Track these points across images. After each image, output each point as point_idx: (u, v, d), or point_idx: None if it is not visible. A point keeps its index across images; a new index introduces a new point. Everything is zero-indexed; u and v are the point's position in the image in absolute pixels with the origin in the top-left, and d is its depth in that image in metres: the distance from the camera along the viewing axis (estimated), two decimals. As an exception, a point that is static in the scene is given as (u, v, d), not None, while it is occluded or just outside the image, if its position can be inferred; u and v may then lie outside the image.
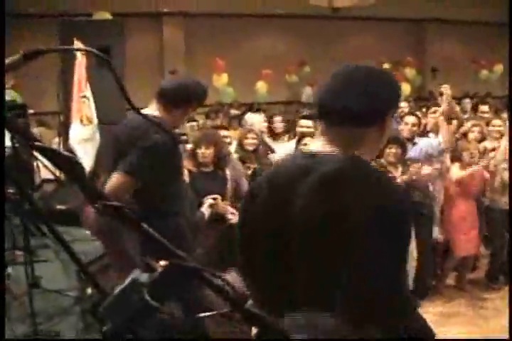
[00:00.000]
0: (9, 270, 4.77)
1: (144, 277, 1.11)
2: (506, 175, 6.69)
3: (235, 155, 6.36)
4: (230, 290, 1.11)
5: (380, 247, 1.81)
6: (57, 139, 8.68)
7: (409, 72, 17.28)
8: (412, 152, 6.56)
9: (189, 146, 5.76)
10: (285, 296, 2.00)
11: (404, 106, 9.37)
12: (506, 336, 5.17)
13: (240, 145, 6.60)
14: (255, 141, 6.57)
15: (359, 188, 1.90)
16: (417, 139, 6.90)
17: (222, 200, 5.25)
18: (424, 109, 10.53)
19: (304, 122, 6.99)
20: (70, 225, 5.67)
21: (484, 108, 9.48)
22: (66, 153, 1.03)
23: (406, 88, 15.46)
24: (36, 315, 4.09)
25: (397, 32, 21.32)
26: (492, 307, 6.42)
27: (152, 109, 3.92)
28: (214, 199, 5.13)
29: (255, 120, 7.21)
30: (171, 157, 3.80)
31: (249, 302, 1.14)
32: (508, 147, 6.75)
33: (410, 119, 6.95)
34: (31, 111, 9.59)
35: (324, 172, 1.95)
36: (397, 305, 1.87)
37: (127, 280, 1.13)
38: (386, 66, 17.94)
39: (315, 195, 1.93)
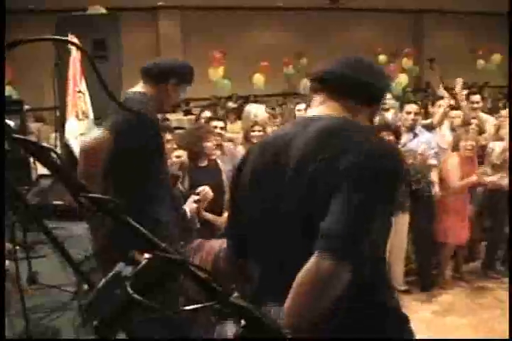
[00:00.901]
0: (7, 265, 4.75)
1: (128, 270, 1.10)
2: (498, 154, 6.71)
3: (241, 147, 6.32)
4: (215, 283, 1.09)
5: (362, 194, 1.90)
6: (54, 134, 8.65)
7: (407, 62, 17.23)
8: (413, 144, 6.52)
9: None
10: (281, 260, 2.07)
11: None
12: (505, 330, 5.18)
13: (246, 138, 6.54)
14: (261, 133, 6.52)
15: (352, 138, 2.02)
16: (417, 129, 6.85)
17: (218, 191, 5.18)
18: (427, 102, 10.44)
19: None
20: (67, 220, 5.65)
21: (476, 97, 9.45)
22: (45, 144, 1.02)
23: (403, 78, 15.42)
24: (34, 311, 4.09)
25: (395, 23, 21.29)
26: (492, 297, 6.42)
27: (139, 87, 3.89)
28: (198, 194, 4.98)
29: (259, 112, 7.13)
30: (138, 137, 3.66)
31: (235, 294, 1.12)
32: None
33: (412, 107, 6.90)
34: (27, 106, 9.57)
35: (320, 126, 2.09)
36: (369, 251, 1.91)
37: (110, 274, 1.12)
38: (383, 57, 17.95)
39: (310, 145, 2.03)
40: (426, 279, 6.68)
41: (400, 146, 6.22)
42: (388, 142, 5.94)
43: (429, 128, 7.30)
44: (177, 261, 1.07)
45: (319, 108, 2.25)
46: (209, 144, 5.36)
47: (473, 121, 7.64)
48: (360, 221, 1.88)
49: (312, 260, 1.83)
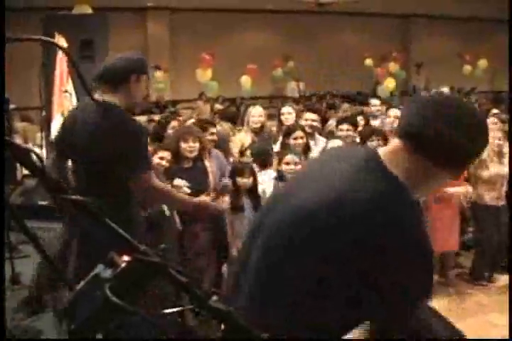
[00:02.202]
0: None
1: (107, 272, 1.09)
2: (488, 171, 6.67)
3: (248, 153, 6.26)
4: (194, 286, 1.09)
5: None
6: (40, 134, 8.62)
7: (394, 66, 17.30)
8: None
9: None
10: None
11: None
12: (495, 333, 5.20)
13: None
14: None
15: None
16: None
17: (205, 193, 5.18)
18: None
19: (309, 115, 6.84)
20: (52, 221, 5.63)
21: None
22: (24, 145, 1.01)
23: (391, 83, 15.48)
24: (16, 312, 4.07)
25: (382, 27, 21.37)
26: (474, 302, 6.44)
27: (98, 96, 3.79)
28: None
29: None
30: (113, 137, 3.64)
31: (214, 298, 1.11)
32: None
33: (394, 112, 6.93)
34: (13, 106, 9.52)
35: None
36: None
37: (89, 276, 1.11)
38: (369, 61, 18.02)
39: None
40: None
41: None
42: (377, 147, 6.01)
43: None
44: (157, 264, 1.07)
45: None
46: (184, 145, 5.31)
47: None
48: None
49: None
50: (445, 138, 1.81)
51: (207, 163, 5.49)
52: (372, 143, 6.11)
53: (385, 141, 6.18)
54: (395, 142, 1.93)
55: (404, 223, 1.78)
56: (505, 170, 6.65)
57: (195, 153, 5.33)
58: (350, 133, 6.50)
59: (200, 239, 5.24)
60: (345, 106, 9.36)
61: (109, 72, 3.77)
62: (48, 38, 1.32)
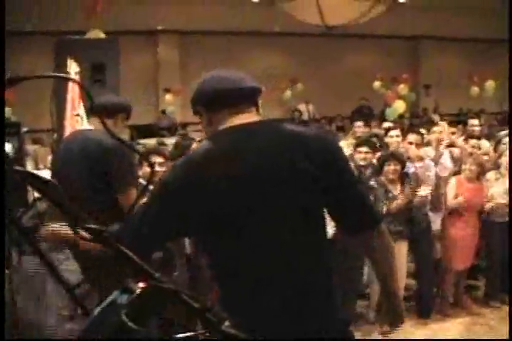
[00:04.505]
0: None
1: (123, 298, 1.13)
2: (498, 188, 6.68)
3: None
4: (207, 311, 1.12)
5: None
6: (51, 157, 8.67)
7: (404, 88, 17.32)
8: (414, 174, 6.49)
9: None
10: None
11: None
12: None
13: None
14: None
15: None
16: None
17: None
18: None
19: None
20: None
21: (474, 122, 9.49)
22: (44, 177, 1.05)
23: (400, 105, 15.48)
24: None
25: (391, 49, 21.43)
26: (486, 325, 6.42)
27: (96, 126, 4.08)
28: None
29: None
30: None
31: (226, 323, 1.15)
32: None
33: (414, 138, 6.91)
34: (25, 129, 9.59)
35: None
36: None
37: (106, 302, 1.14)
38: (378, 83, 18.04)
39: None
40: (425, 305, 6.65)
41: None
42: (394, 171, 6.05)
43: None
44: (171, 290, 1.10)
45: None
46: None
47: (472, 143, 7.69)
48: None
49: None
50: None
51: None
52: (390, 167, 6.11)
53: (402, 164, 6.18)
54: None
55: None
56: None
57: None
58: (369, 155, 6.51)
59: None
60: (358, 123, 9.32)
61: (102, 104, 4.10)
62: (60, 74, 1.38)
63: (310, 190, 2.28)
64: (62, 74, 1.50)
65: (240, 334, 1.13)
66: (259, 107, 2.50)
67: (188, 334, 1.14)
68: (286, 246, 2.25)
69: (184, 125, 17.97)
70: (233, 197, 2.23)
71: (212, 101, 2.43)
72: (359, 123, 9.37)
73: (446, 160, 7.40)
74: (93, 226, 1.09)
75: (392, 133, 7.30)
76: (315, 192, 2.29)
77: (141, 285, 1.13)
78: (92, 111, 4.01)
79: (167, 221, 2.26)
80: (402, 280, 6.51)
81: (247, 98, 2.45)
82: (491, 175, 6.79)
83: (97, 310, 1.15)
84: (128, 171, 3.96)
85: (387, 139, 7.55)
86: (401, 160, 6.23)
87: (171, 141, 12.51)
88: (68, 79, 1.50)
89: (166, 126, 17.20)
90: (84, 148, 3.87)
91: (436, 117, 17.67)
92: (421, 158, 6.76)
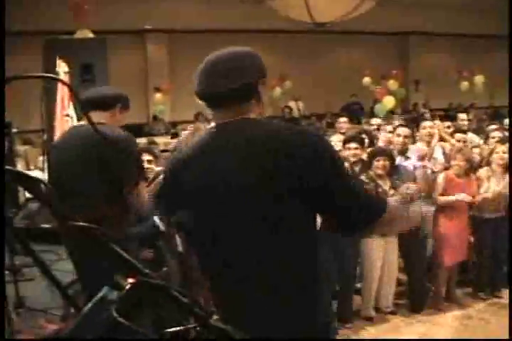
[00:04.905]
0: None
1: (113, 294, 1.14)
2: (490, 185, 6.69)
3: None
4: (196, 306, 1.14)
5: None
6: (41, 157, 8.68)
7: (393, 84, 17.36)
8: (404, 169, 6.48)
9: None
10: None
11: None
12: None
13: None
14: None
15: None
16: (410, 153, 6.89)
17: None
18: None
19: None
20: (55, 244, 5.66)
21: (463, 116, 9.52)
22: (33, 175, 1.06)
23: (390, 101, 15.50)
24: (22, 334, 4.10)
25: (380, 45, 21.46)
26: (478, 318, 6.45)
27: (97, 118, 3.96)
28: None
29: None
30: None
31: (215, 317, 1.17)
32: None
33: (402, 131, 6.94)
34: (15, 129, 9.58)
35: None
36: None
37: (96, 298, 1.16)
38: (367, 79, 18.07)
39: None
40: (417, 301, 6.67)
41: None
42: (383, 167, 6.07)
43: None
44: (160, 286, 1.12)
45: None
46: None
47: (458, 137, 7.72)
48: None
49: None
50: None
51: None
52: (379, 163, 6.13)
53: (391, 159, 6.20)
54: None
55: None
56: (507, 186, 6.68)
57: None
58: (358, 151, 6.51)
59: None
60: (342, 119, 9.35)
61: (98, 96, 4.04)
62: (49, 75, 1.38)
63: (284, 194, 2.18)
64: (49, 75, 1.50)
65: (228, 328, 1.14)
66: (249, 103, 2.36)
67: (178, 328, 1.16)
68: (252, 251, 2.23)
69: (174, 124, 17.98)
70: (201, 201, 2.27)
71: (201, 100, 2.43)
72: (343, 119, 9.41)
73: (438, 156, 7.43)
74: (83, 223, 1.10)
75: (399, 130, 7.21)
76: (292, 194, 2.19)
77: (130, 281, 1.14)
78: (84, 107, 3.98)
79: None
80: (394, 275, 6.55)
81: (214, 99, 2.38)
82: (483, 172, 6.80)
83: (87, 307, 1.16)
84: (136, 163, 3.95)
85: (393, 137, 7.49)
86: (390, 155, 6.25)
87: (161, 140, 12.56)
88: (56, 80, 1.47)
89: (160, 132, 17.18)
90: (90, 142, 3.76)
91: (427, 114, 17.71)
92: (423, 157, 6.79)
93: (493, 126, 9.02)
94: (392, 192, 6.09)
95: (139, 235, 4.26)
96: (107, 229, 1.16)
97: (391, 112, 16.05)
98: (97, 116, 3.81)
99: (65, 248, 4.23)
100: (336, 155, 2.38)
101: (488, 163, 6.83)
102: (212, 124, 2.45)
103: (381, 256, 6.29)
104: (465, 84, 19.61)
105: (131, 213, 3.93)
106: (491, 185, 6.68)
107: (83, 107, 3.94)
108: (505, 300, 6.70)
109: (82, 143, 3.80)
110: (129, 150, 3.84)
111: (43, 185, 1.07)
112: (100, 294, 1.16)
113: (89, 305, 1.16)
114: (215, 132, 2.35)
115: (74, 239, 3.49)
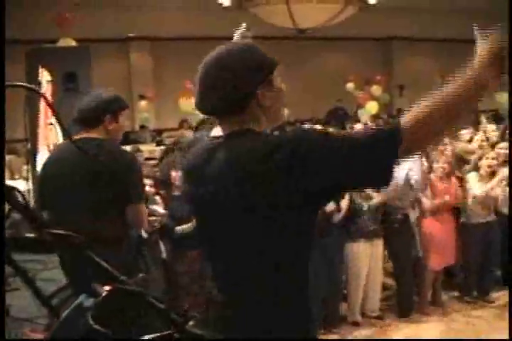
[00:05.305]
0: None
1: (89, 301, 1.14)
2: (477, 191, 6.71)
3: None
4: (172, 312, 1.14)
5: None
6: (25, 166, 8.63)
7: (377, 90, 17.41)
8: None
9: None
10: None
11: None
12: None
13: None
14: None
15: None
16: None
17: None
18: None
19: None
20: (40, 253, 5.62)
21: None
22: (8, 184, 1.06)
23: (373, 106, 15.57)
24: (6, 344, 4.07)
25: (364, 50, 21.53)
26: (464, 322, 6.47)
27: (90, 134, 3.85)
28: None
29: None
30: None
31: (191, 323, 1.17)
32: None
33: None
34: (-1, 139, 9.52)
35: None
36: None
37: (72, 305, 1.16)
38: (350, 85, 18.10)
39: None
40: (405, 305, 6.67)
41: None
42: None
43: None
44: (136, 292, 1.12)
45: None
46: (174, 174, 5.41)
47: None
48: None
49: None
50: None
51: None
52: None
53: None
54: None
55: None
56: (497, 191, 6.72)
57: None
58: None
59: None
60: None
61: (82, 114, 3.85)
62: (29, 85, 1.39)
63: (279, 201, 2.05)
64: (24, 84, 1.50)
65: (204, 334, 1.15)
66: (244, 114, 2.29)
67: (155, 335, 1.16)
68: (246, 256, 2.18)
69: (159, 131, 17.96)
70: (197, 208, 2.31)
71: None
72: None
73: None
74: (59, 231, 1.10)
75: None
76: (291, 198, 2.05)
77: (106, 288, 1.15)
78: (76, 123, 3.87)
79: None
80: (379, 280, 6.57)
81: (208, 112, 2.42)
82: (471, 176, 6.82)
83: (64, 313, 1.17)
84: (139, 182, 3.90)
85: None
86: None
87: (146, 148, 12.55)
88: (31, 89, 1.46)
89: (146, 140, 17.10)
90: (89, 158, 3.59)
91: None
92: None
93: (466, 131, 8.98)
94: (377, 195, 6.15)
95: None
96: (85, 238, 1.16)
97: (376, 117, 16.09)
98: (90, 134, 3.77)
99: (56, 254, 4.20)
100: (312, 135, 2.20)
101: (477, 168, 6.87)
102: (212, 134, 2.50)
103: (367, 261, 6.31)
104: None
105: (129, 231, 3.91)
106: (478, 190, 6.72)
107: (67, 134, 3.75)
108: (493, 304, 6.75)
109: (84, 157, 3.66)
110: (133, 168, 3.80)
111: (18, 193, 1.08)
112: (77, 301, 1.16)
113: (66, 312, 1.16)
114: (210, 144, 2.36)
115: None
